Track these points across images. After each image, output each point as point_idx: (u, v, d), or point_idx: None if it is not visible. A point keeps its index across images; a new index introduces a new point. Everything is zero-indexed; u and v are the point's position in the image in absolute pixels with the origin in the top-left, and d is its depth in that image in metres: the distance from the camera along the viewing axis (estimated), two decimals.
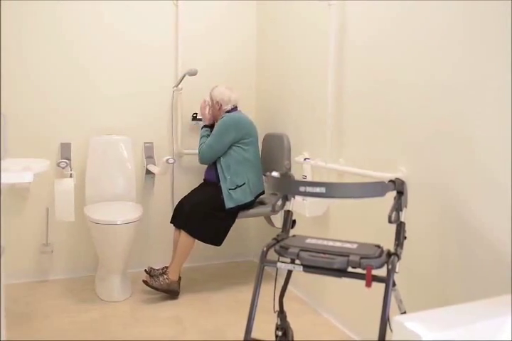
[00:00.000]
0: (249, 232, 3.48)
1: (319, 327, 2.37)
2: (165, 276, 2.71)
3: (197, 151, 2.84)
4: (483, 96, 1.55)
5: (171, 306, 2.62)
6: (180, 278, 2.77)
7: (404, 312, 1.62)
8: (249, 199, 2.77)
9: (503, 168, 1.48)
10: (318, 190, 1.38)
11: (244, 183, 2.76)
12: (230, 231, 2.78)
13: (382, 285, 1.41)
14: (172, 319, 2.46)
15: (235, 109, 2.87)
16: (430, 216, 1.79)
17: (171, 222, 2.89)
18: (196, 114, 3.24)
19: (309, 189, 1.39)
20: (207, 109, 2.89)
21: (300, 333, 2.26)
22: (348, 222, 2.31)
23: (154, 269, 2.80)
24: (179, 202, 2.91)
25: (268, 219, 3.05)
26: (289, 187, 1.45)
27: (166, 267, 2.83)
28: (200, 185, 2.99)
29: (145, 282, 2.69)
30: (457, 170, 1.66)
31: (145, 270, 2.79)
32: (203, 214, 2.69)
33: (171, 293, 2.71)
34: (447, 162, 1.70)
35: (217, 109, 2.86)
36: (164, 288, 2.69)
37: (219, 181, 2.75)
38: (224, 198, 2.71)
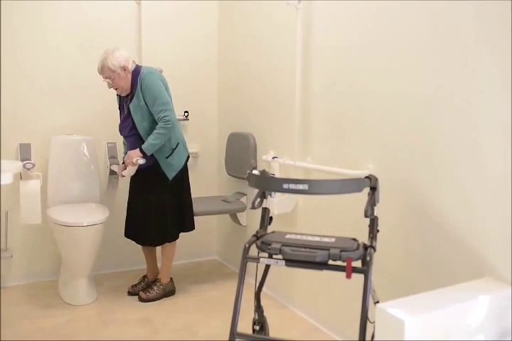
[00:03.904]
0: (211, 231, 3.50)
1: (288, 321, 2.44)
2: (158, 284, 2.71)
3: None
4: (446, 97, 1.67)
5: (139, 307, 2.61)
6: (171, 278, 2.79)
7: (378, 302, 1.71)
8: (183, 160, 2.64)
9: (461, 165, 1.60)
10: (301, 187, 1.44)
11: (178, 143, 2.61)
12: (192, 231, 2.78)
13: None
14: (142, 320, 2.45)
15: (138, 66, 2.57)
16: (396, 211, 1.90)
17: (125, 236, 2.71)
18: None
19: (292, 186, 1.45)
20: (121, 83, 2.53)
21: (271, 327, 2.32)
22: (315, 218, 2.39)
23: (136, 285, 2.78)
24: (128, 215, 2.70)
25: (234, 217, 3.09)
26: (272, 184, 1.50)
27: (145, 276, 2.83)
28: (133, 183, 2.70)
29: (142, 299, 2.66)
30: (422, 167, 1.77)
31: (128, 292, 2.77)
32: (161, 216, 2.60)
33: (169, 294, 2.75)
34: (412, 160, 1.82)
35: (125, 76, 2.51)
36: (162, 294, 2.71)
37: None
38: (164, 170, 2.56)
